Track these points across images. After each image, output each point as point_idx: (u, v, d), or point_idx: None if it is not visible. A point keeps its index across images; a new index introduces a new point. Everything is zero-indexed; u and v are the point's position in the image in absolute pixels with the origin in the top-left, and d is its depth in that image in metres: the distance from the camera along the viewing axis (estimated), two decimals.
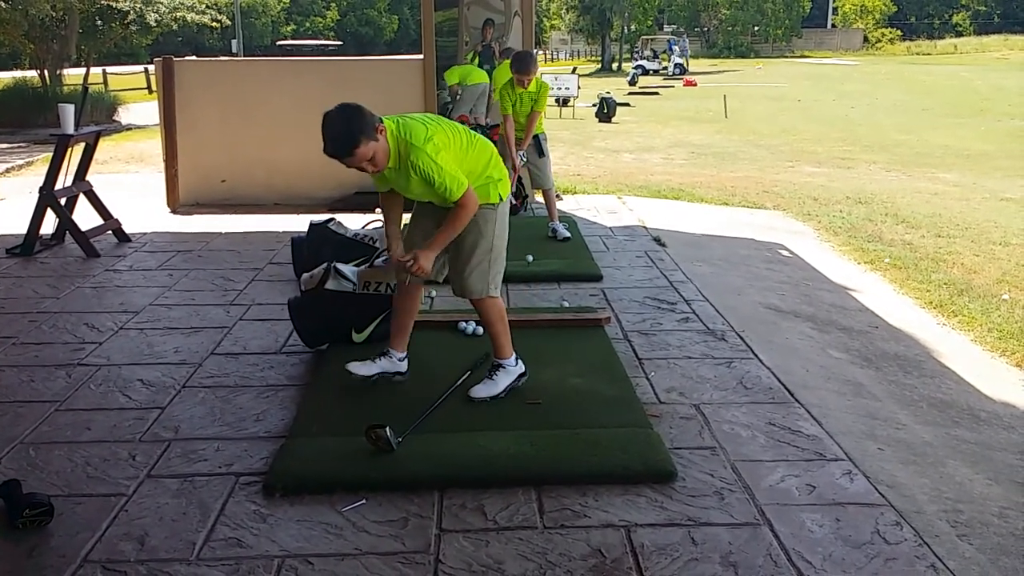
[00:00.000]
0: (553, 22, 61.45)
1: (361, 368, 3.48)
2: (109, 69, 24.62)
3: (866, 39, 68.57)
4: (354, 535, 2.60)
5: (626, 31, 53.33)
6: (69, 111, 6.06)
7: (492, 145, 3.47)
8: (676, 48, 41.79)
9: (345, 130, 2.96)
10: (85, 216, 6.33)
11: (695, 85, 31.22)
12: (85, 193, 6.35)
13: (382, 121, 3.05)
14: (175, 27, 21.77)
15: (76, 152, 6.27)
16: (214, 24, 22.78)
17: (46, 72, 18.61)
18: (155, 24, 19.94)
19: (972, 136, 16.14)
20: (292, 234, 5.55)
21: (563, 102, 20.43)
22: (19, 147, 13.97)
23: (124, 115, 19.12)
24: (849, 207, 8.94)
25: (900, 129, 17.30)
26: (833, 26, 73.38)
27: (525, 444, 3.08)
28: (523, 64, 5.80)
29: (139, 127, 17.02)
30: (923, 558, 2.50)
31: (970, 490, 3.23)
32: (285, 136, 7.52)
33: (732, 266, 6.13)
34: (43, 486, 2.85)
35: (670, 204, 8.56)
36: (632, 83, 31.29)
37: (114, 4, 18.77)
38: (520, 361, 3.55)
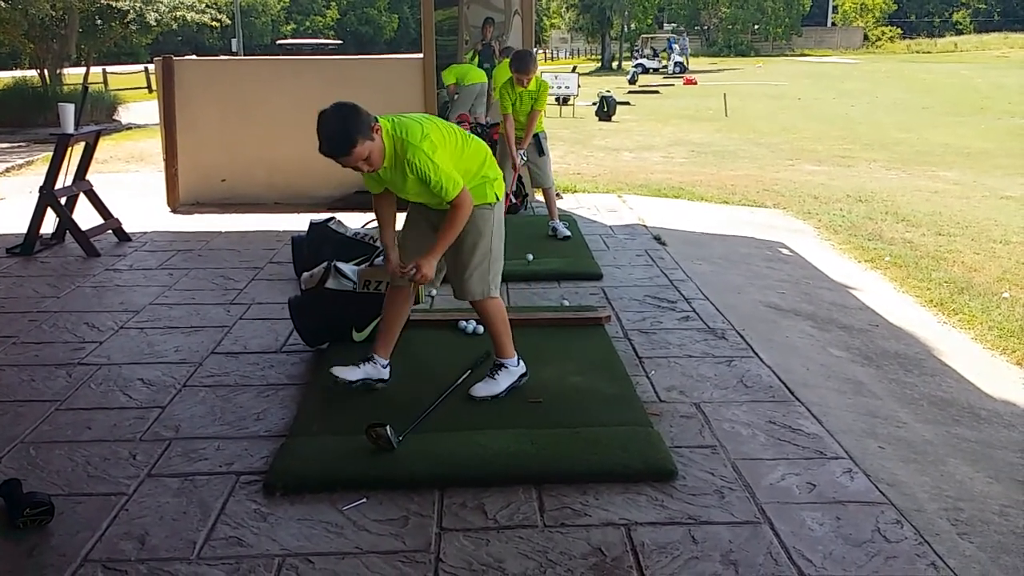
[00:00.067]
0: (553, 21, 61.42)
1: (345, 372, 3.45)
2: (109, 68, 24.61)
3: (866, 37, 68.54)
4: (355, 534, 2.60)
5: (626, 30, 53.32)
6: (69, 110, 6.06)
7: (486, 146, 3.46)
8: (676, 46, 41.77)
9: (341, 129, 2.95)
10: (85, 215, 6.33)
11: (695, 83, 31.20)
12: (85, 192, 6.35)
13: (377, 120, 3.05)
14: (175, 26, 21.76)
15: (76, 151, 6.27)
16: (214, 23, 22.77)
17: (46, 71, 18.61)
18: (155, 23, 19.92)
19: (972, 134, 16.14)
20: (292, 233, 5.55)
21: (563, 101, 20.43)
22: (19, 146, 13.96)
23: (124, 114, 19.11)
24: (849, 205, 8.94)
25: (900, 127, 17.29)
26: (833, 24, 73.34)
27: (525, 443, 3.08)
28: (522, 63, 5.79)
29: (139, 126, 17.02)
30: (923, 556, 2.50)
31: (971, 488, 3.23)
32: (285, 135, 7.51)
33: (732, 264, 6.13)
34: (43, 485, 2.86)
35: (670, 203, 8.56)
36: (632, 82, 31.28)
37: (114, 3, 18.76)
38: (522, 362, 3.55)
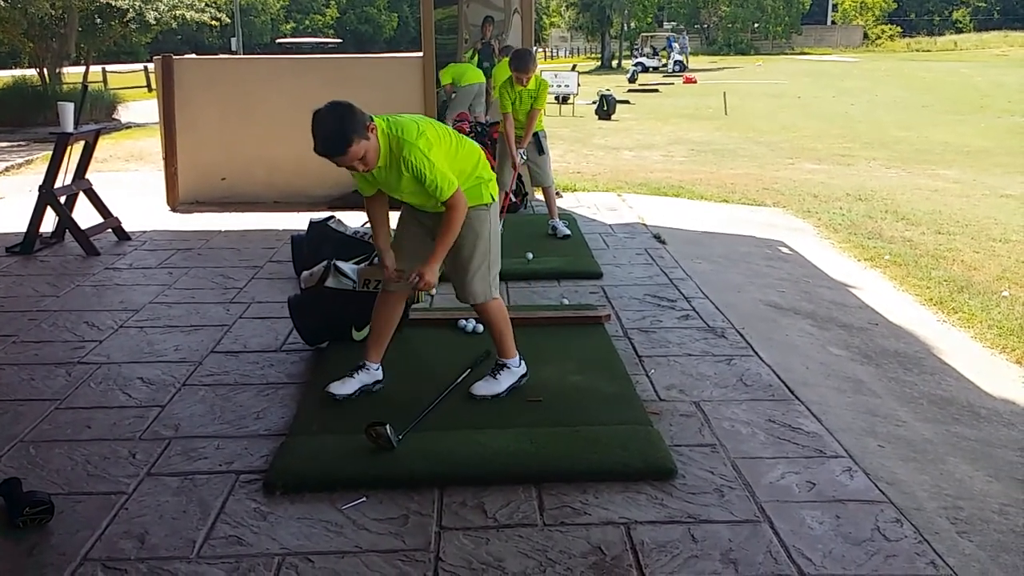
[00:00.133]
0: (553, 19, 61.41)
1: (341, 387, 3.44)
2: (108, 67, 24.60)
3: (866, 36, 68.55)
4: (354, 533, 2.61)
5: (626, 28, 53.31)
6: (68, 109, 6.06)
7: (479, 148, 3.45)
8: (676, 45, 41.76)
9: (337, 129, 2.93)
10: (85, 214, 6.33)
11: (695, 82, 31.20)
12: (85, 191, 6.35)
13: (372, 119, 3.04)
14: (174, 25, 21.74)
15: (76, 150, 6.26)
16: (213, 22, 22.78)
17: (45, 70, 18.60)
18: (154, 22, 19.92)
19: (972, 133, 16.14)
20: (292, 232, 5.56)
21: (563, 99, 20.43)
22: (19, 145, 13.96)
23: (123, 113, 19.12)
24: (849, 204, 8.94)
25: (900, 126, 17.29)
26: (833, 23, 73.32)
27: (525, 442, 3.08)
28: (522, 62, 5.79)
29: (139, 125, 17.02)
30: (923, 555, 2.50)
31: (970, 487, 3.24)
32: (285, 134, 7.50)
33: (732, 263, 6.13)
34: (43, 484, 2.86)
35: (670, 201, 8.56)
36: (632, 80, 31.27)
37: (113, 2, 18.75)
38: (523, 362, 3.56)
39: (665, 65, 40.43)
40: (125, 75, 25.22)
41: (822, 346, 4.62)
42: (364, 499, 2.77)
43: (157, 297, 4.99)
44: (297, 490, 2.82)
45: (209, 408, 3.47)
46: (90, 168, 6.52)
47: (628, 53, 50.35)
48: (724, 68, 42.31)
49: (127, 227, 6.53)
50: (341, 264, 4.06)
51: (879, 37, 67.73)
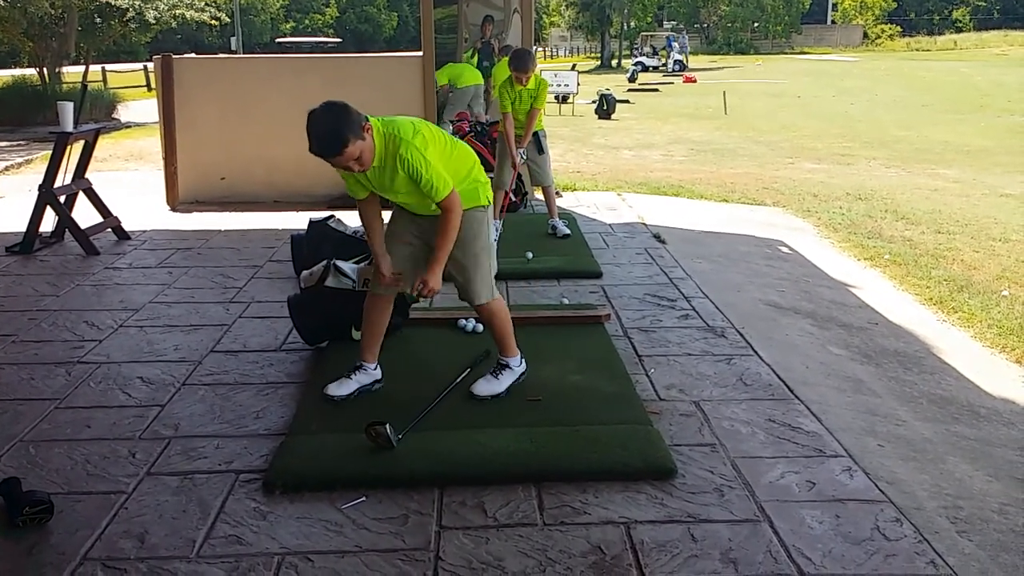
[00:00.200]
0: (553, 19, 61.43)
1: (339, 389, 3.43)
2: (108, 67, 24.58)
3: (866, 35, 68.54)
4: (354, 532, 2.61)
5: (625, 28, 53.31)
6: (68, 109, 6.05)
7: (474, 153, 3.46)
8: (676, 44, 41.74)
9: (333, 129, 2.91)
10: (84, 214, 6.32)
11: (695, 82, 31.20)
12: (84, 191, 6.35)
13: (368, 120, 3.03)
14: (174, 24, 21.72)
15: (75, 150, 6.26)
16: (213, 21, 22.76)
17: (45, 70, 18.59)
18: (154, 21, 19.91)
19: (972, 132, 16.13)
20: (292, 231, 5.55)
21: (563, 99, 20.42)
22: (18, 145, 13.95)
23: (123, 113, 19.11)
24: (849, 203, 8.93)
25: (900, 125, 17.29)
26: (833, 22, 73.31)
27: (525, 441, 3.08)
28: (521, 62, 5.78)
29: (138, 125, 17.01)
30: (923, 554, 2.50)
31: (970, 486, 3.24)
32: (284, 133, 7.45)
33: (732, 263, 6.13)
34: (43, 484, 2.86)
35: (670, 201, 8.56)
36: (632, 80, 31.27)
37: (113, 2, 18.73)
38: (524, 360, 3.56)
39: (665, 64, 40.42)
40: (125, 74, 25.20)
41: (822, 345, 4.62)
42: (364, 498, 2.77)
43: (157, 296, 4.99)
44: (297, 489, 2.82)
45: (209, 408, 3.47)
46: (90, 167, 6.52)
47: (628, 52, 50.35)
48: (724, 67, 42.31)
49: (127, 226, 6.53)
50: (341, 263, 4.06)
51: (879, 36, 67.72)
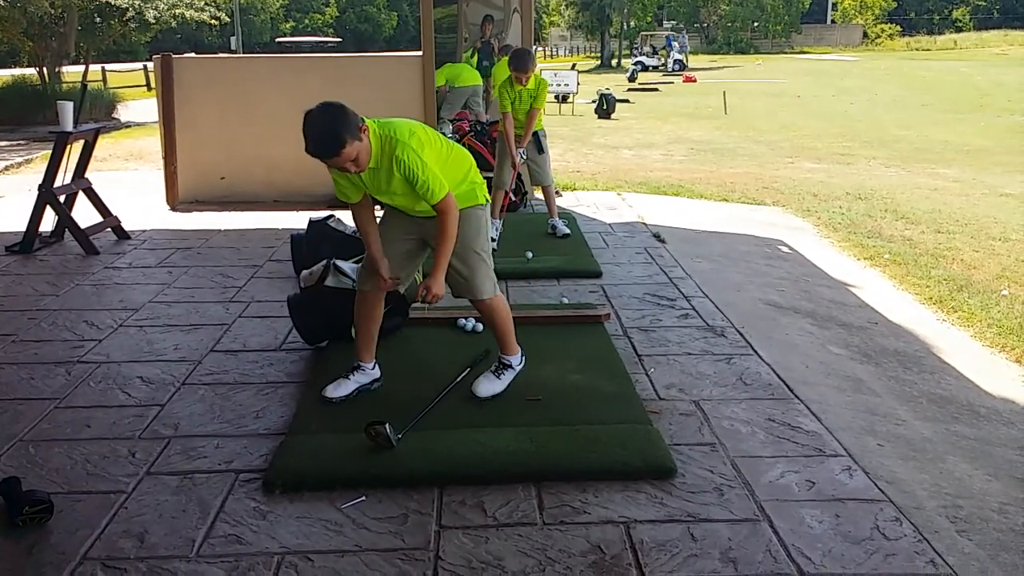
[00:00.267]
0: (552, 18, 61.42)
1: (337, 390, 3.43)
2: (108, 66, 24.59)
3: (866, 35, 68.50)
4: (354, 532, 2.61)
5: (625, 27, 53.30)
6: (68, 108, 6.05)
7: (470, 155, 3.46)
8: (675, 44, 41.74)
9: (329, 129, 2.90)
10: (84, 213, 6.32)
11: (694, 81, 31.20)
12: (84, 190, 6.35)
13: (364, 121, 3.02)
14: (174, 24, 21.73)
15: (75, 149, 6.26)
16: (213, 21, 22.77)
17: (45, 69, 18.60)
18: (154, 21, 19.91)
19: (972, 132, 16.13)
20: (291, 231, 5.55)
21: (562, 98, 20.42)
22: (18, 144, 13.95)
23: (123, 112, 19.11)
24: (849, 203, 8.94)
25: (900, 125, 17.29)
26: (833, 22, 73.28)
27: (525, 440, 3.08)
28: (521, 62, 5.78)
29: (138, 124, 17.01)
30: (922, 554, 2.50)
31: (970, 486, 3.24)
32: (284, 133, 7.39)
33: (732, 262, 6.13)
34: (43, 483, 2.86)
35: (670, 200, 8.56)
36: (631, 79, 31.27)
37: (113, 1, 18.75)
38: (524, 357, 3.57)
39: (665, 64, 40.42)
40: (124, 74, 25.21)
41: (822, 345, 4.62)
42: (363, 498, 2.77)
43: (156, 296, 4.99)
44: (296, 489, 2.82)
45: (208, 407, 3.47)
46: (89, 167, 6.51)
47: (628, 52, 50.34)
48: (724, 67, 42.31)
49: (126, 226, 6.53)
50: (341, 263, 4.06)
51: (879, 36, 67.69)
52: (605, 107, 18.83)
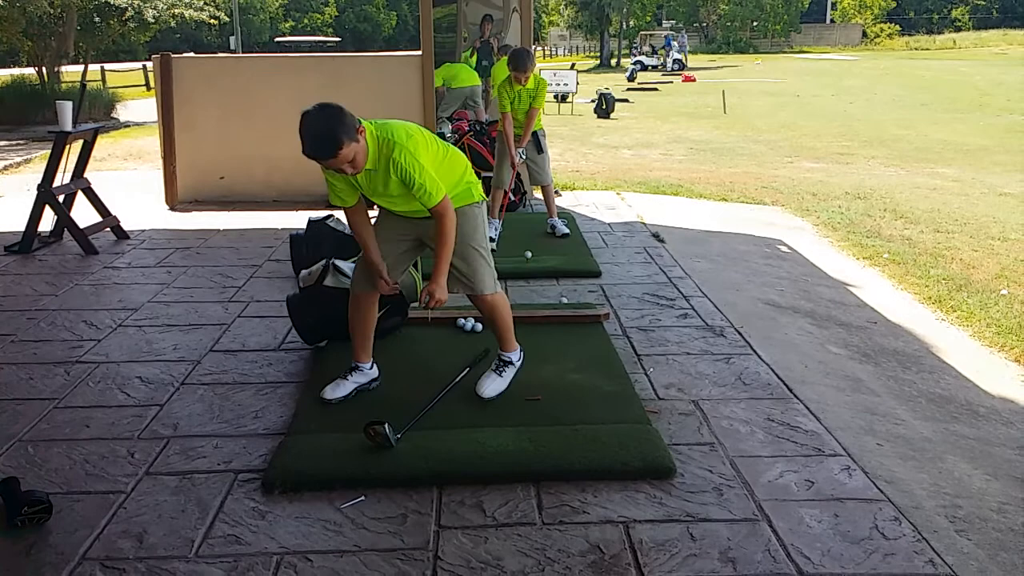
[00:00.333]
0: (552, 18, 61.41)
1: (335, 391, 3.43)
2: (107, 66, 24.60)
3: (865, 34, 68.50)
4: (353, 532, 2.61)
5: (625, 27, 53.31)
6: (67, 108, 6.05)
7: (465, 157, 3.46)
8: (675, 44, 41.72)
9: (327, 131, 2.88)
10: (83, 213, 6.32)
11: (694, 81, 31.19)
12: (83, 190, 6.34)
13: (360, 122, 3.01)
14: (173, 24, 21.74)
15: (74, 149, 6.26)
16: (212, 21, 22.77)
17: (44, 69, 18.59)
18: (153, 21, 19.90)
19: (971, 131, 16.14)
20: (291, 231, 5.55)
21: (562, 98, 20.42)
22: (17, 144, 13.95)
23: (122, 112, 19.11)
24: (848, 202, 8.93)
25: (899, 124, 17.29)
26: (832, 21, 73.26)
27: (524, 440, 3.08)
28: (520, 61, 5.78)
29: (137, 124, 17.01)
30: (921, 553, 2.51)
31: (969, 485, 3.24)
32: (284, 133, 7.36)
33: (731, 262, 6.12)
34: (41, 484, 2.86)
35: (669, 200, 8.56)
36: (631, 79, 31.27)
37: (112, 1, 18.74)
38: (523, 353, 3.59)
39: (664, 63, 40.41)
40: (124, 74, 25.22)
41: (821, 344, 4.62)
42: (363, 498, 2.77)
43: (156, 296, 4.99)
44: (296, 489, 2.82)
45: (208, 407, 3.47)
46: (89, 167, 6.51)
47: (627, 52, 50.33)
48: (723, 66, 42.30)
49: (126, 226, 6.53)
50: (340, 263, 4.06)
51: (878, 35, 67.69)
52: (604, 107, 18.83)
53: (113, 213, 6.49)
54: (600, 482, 2.85)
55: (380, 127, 3.08)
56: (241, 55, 20.85)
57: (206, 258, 5.85)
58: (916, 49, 58.82)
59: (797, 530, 2.61)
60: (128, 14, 19.51)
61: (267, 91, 7.68)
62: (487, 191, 6.07)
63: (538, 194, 6.94)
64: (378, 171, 3.08)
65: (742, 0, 59.69)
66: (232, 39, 35.62)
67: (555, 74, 19.99)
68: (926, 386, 4.28)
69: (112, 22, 20.28)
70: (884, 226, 7.89)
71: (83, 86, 7.93)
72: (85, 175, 6.43)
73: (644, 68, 37.38)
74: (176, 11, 20.17)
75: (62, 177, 6.13)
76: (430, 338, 4.13)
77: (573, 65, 27.47)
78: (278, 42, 41.97)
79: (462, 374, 3.55)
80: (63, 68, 19.40)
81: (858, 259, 6.74)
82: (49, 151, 6.13)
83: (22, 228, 6.04)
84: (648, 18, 56.02)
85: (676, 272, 5.44)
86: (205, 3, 21.35)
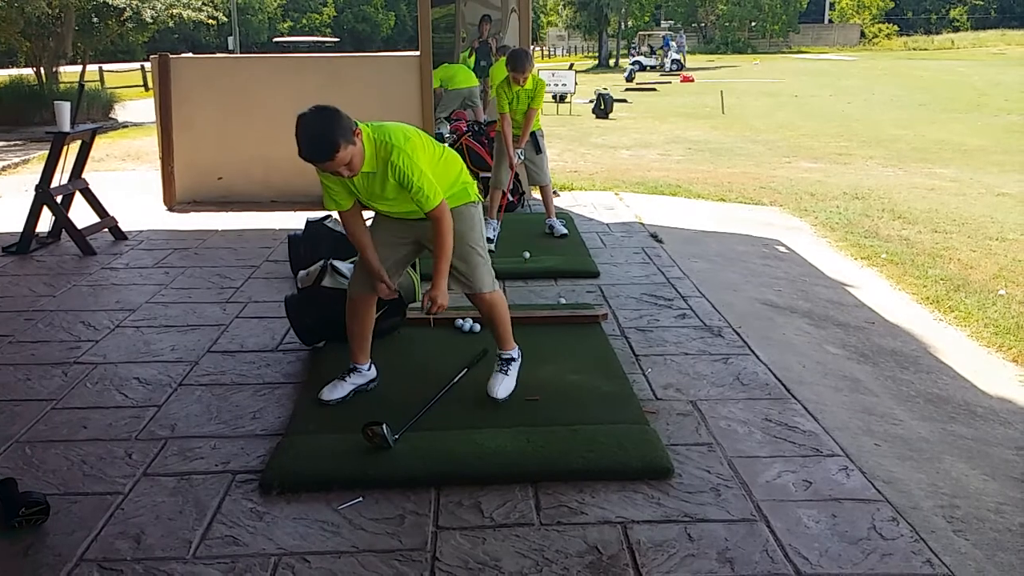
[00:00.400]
0: (550, 18, 61.41)
1: (333, 392, 3.42)
2: (105, 66, 24.59)
3: (863, 34, 68.55)
4: (351, 533, 2.60)
5: (623, 27, 53.32)
6: (65, 108, 6.04)
7: (460, 158, 3.46)
8: (673, 44, 41.75)
9: (324, 133, 2.86)
10: (81, 214, 6.31)
11: (692, 81, 31.20)
12: (81, 191, 6.34)
13: (357, 124, 3.00)
14: (171, 24, 21.73)
15: (72, 150, 6.25)
16: (210, 21, 22.75)
17: (42, 69, 18.57)
18: (151, 21, 19.89)
19: (969, 131, 16.15)
20: (289, 231, 5.54)
21: (560, 98, 20.42)
22: (15, 145, 13.94)
23: (120, 112, 19.09)
24: (846, 203, 8.94)
25: (897, 124, 17.30)
26: (830, 21, 73.33)
27: (522, 441, 3.08)
28: (518, 62, 5.78)
29: (135, 124, 16.99)
30: (919, 553, 2.51)
31: (966, 486, 3.24)
32: (282, 133, 7.34)
33: (729, 262, 6.13)
34: (39, 485, 2.85)
35: (667, 200, 8.56)
36: (629, 79, 31.28)
37: (110, 1, 18.73)
38: (520, 351, 3.60)
39: (662, 64, 40.43)
40: (122, 74, 25.21)
41: (819, 345, 4.63)
42: (360, 499, 2.77)
43: (154, 297, 4.99)
44: (293, 490, 2.82)
45: (205, 408, 3.47)
46: (87, 167, 6.50)
47: (625, 52, 50.35)
48: (721, 67, 42.32)
49: (124, 227, 6.52)
50: (338, 263, 4.05)
51: (876, 36, 67.75)
52: (603, 107, 18.83)
53: (111, 214, 6.49)
54: (598, 482, 2.85)
55: (377, 129, 3.07)
56: (239, 55, 20.87)
57: (204, 259, 5.85)
58: (914, 49, 58.88)
59: (795, 530, 2.61)
60: (126, 14, 19.50)
61: (265, 92, 7.68)
62: (485, 192, 6.08)
63: (536, 194, 6.94)
64: (376, 174, 3.08)
65: (740, 0, 59.74)
66: (230, 39, 35.58)
67: (553, 74, 19.99)
68: (924, 386, 4.29)
69: (110, 22, 20.27)
70: (882, 226, 7.89)
71: (81, 86, 7.92)
72: (83, 176, 6.42)
73: (642, 68, 37.40)
74: (174, 11, 20.16)
75: (60, 178, 6.12)
76: (428, 339, 4.13)
77: (571, 65, 27.48)
78: (276, 42, 41.98)
79: (460, 375, 3.55)
80: (61, 68, 19.38)
81: (856, 259, 6.75)
82: (47, 152, 6.13)
83: (20, 229, 6.04)
84: (646, 18, 56.06)
85: (674, 272, 5.44)
86: (203, 3, 21.33)
